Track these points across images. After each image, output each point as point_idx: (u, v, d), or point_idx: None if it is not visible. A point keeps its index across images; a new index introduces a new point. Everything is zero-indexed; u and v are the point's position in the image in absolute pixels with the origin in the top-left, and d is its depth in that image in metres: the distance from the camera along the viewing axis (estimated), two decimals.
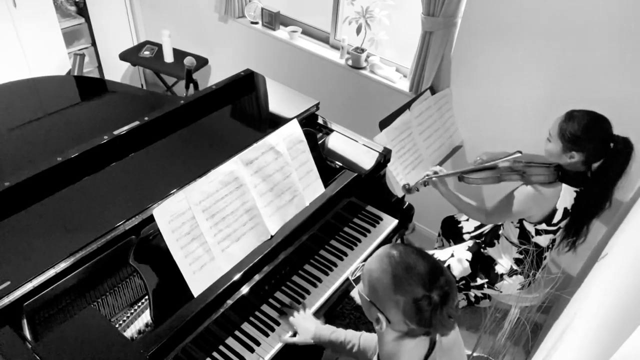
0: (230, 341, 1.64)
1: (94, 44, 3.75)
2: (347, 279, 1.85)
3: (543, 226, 2.02)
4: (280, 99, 2.16)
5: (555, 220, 1.99)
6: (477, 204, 2.16)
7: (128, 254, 1.48)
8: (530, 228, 2.05)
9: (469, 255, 2.28)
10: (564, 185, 1.94)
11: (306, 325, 1.65)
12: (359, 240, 2.02)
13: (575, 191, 1.95)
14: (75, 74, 3.19)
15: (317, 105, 2.11)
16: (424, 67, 2.51)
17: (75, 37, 3.68)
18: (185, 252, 1.48)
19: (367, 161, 2.03)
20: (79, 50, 3.59)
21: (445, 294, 1.16)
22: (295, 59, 3.13)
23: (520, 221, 2.07)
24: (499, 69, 2.36)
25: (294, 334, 1.67)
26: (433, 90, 2.54)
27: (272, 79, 2.24)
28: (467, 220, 2.51)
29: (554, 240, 2.11)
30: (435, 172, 2.18)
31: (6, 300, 1.28)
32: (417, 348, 1.26)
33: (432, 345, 1.29)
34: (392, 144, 2.28)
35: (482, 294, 2.34)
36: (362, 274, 1.29)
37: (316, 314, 1.77)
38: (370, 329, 2.09)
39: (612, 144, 1.85)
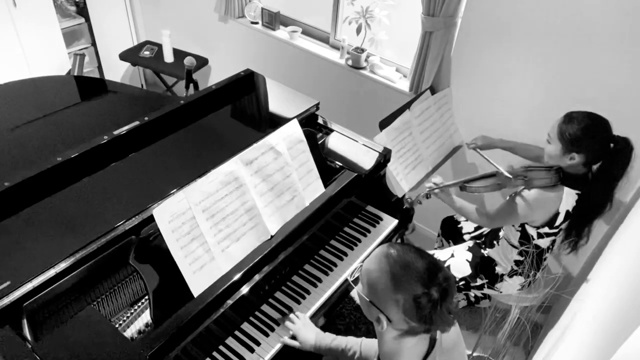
0: (230, 341, 1.64)
1: (94, 44, 3.75)
2: (347, 279, 1.85)
3: (545, 229, 2.01)
4: (280, 99, 2.16)
5: (557, 223, 1.98)
6: (479, 209, 2.15)
7: (128, 254, 1.48)
8: (532, 231, 2.04)
9: (469, 256, 2.27)
10: (565, 188, 1.93)
11: (306, 333, 1.64)
12: (359, 240, 2.02)
13: (577, 193, 1.94)
14: (75, 74, 3.18)
15: (317, 105, 2.11)
16: (424, 67, 2.51)
17: (75, 37, 3.68)
18: (185, 252, 1.48)
19: (367, 161, 2.03)
20: (79, 50, 3.59)
21: (444, 290, 1.16)
22: (295, 59, 3.13)
23: (522, 225, 2.06)
24: (498, 68, 2.36)
25: (294, 337, 1.66)
26: (433, 90, 2.54)
27: (272, 79, 2.24)
28: (467, 220, 2.51)
29: (554, 241, 2.10)
30: (437, 184, 2.18)
31: (6, 300, 1.28)
32: (417, 346, 1.26)
33: (432, 344, 1.29)
34: (392, 144, 2.28)
35: (482, 294, 2.34)
36: (361, 274, 1.28)
37: (316, 314, 1.77)
38: (370, 329, 2.08)
39: (612, 145, 1.85)
